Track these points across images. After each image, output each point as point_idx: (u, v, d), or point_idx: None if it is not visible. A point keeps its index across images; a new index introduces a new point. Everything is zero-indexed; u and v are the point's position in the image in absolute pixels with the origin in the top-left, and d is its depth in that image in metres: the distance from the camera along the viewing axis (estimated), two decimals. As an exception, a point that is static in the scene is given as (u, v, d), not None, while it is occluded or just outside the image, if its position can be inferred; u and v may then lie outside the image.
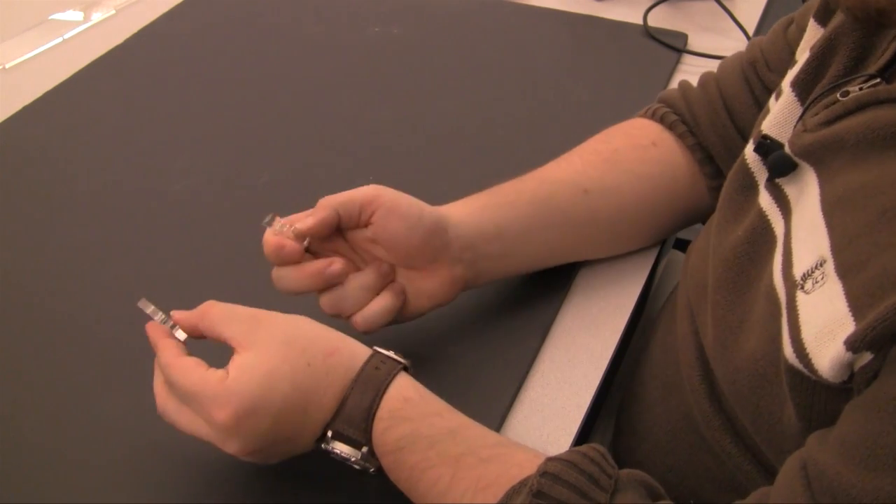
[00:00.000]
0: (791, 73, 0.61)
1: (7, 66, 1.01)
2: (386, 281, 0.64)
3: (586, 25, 1.07)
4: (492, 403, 0.63)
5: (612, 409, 0.81)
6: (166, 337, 0.58)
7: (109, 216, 0.80)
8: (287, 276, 0.63)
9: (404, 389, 0.55)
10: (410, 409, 0.55)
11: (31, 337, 0.69)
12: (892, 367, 0.42)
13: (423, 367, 0.66)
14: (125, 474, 0.59)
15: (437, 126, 0.91)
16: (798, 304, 0.49)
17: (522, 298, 0.71)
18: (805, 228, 0.52)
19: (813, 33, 0.63)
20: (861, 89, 0.52)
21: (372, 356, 0.56)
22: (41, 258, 0.76)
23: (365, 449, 0.54)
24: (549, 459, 0.51)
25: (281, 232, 0.62)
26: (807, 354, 0.47)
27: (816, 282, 0.48)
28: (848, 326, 0.44)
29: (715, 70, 0.77)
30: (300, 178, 0.85)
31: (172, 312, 0.59)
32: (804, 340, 0.47)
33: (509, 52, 1.03)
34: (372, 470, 0.55)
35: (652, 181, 0.73)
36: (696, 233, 0.71)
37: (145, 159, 0.87)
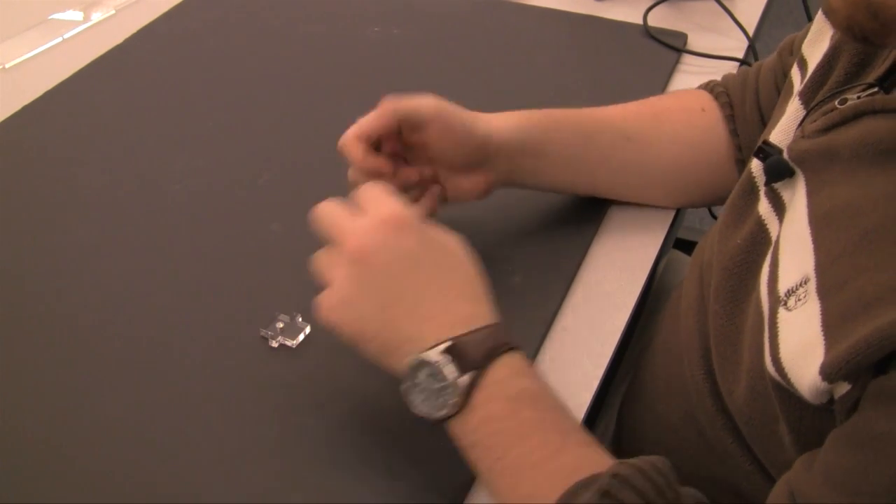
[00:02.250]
0: (801, 83, 0.62)
1: (7, 66, 1.01)
2: (426, 184, 0.70)
3: (586, 25, 1.07)
4: (492, 403, 0.63)
5: (612, 409, 0.81)
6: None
7: (109, 216, 0.80)
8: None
9: (526, 359, 0.56)
10: (533, 373, 0.56)
11: (30, 337, 0.69)
12: (872, 403, 0.43)
13: (424, 366, 0.66)
14: (125, 474, 0.59)
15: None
16: (779, 320, 0.50)
17: (523, 298, 0.71)
18: (792, 241, 0.52)
19: (819, 25, 0.63)
20: (859, 97, 0.52)
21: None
22: (41, 258, 0.76)
23: (470, 375, 0.52)
24: (621, 463, 0.51)
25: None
26: (786, 373, 0.48)
27: (799, 300, 0.49)
28: (819, 350, 0.45)
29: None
30: (300, 178, 0.84)
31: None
32: (782, 359, 0.48)
33: (509, 52, 1.03)
34: (445, 411, 0.53)
35: (693, 145, 0.76)
36: (698, 233, 0.72)
37: (145, 159, 0.87)
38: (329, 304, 0.56)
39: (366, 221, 0.56)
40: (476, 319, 0.54)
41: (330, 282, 0.57)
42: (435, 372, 0.52)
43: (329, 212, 0.58)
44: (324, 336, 0.68)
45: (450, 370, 0.52)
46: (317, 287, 0.63)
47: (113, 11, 1.11)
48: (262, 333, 0.68)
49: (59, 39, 1.06)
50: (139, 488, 0.58)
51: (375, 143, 0.68)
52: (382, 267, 0.55)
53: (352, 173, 0.69)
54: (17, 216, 0.81)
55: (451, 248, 0.57)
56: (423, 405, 0.54)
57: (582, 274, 0.75)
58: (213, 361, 0.67)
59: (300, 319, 0.68)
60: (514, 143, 0.70)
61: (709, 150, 0.75)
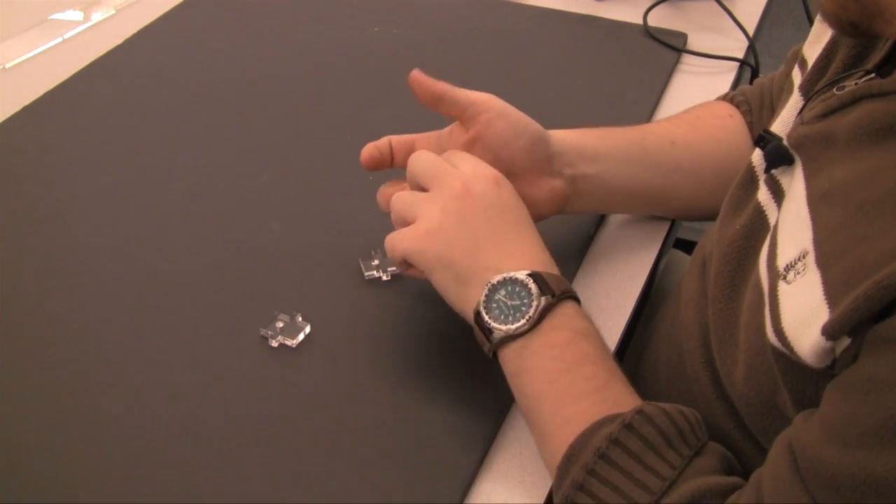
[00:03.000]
0: (801, 77, 0.62)
1: (7, 66, 1.01)
2: None
3: (586, 25, 1.07)
4: (492, 402, 0.63)
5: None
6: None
7: (109, 216, 0.80)
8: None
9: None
10: (589, 318, 0.60)
11: (30, 336, 0.69)
12: (868, 350, 0.44)
13: (424, 365, 0.66)
14: (125, 474, 0.59)
15: (437, 126, 0.91)
16: (779, 293, 0.51)
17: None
18: (791, 221, 0.53)
19: (819, 28, 0.64)
20: (857, 84, 0.53)
21: None
22: (41, 258, 0.76)
23: (547, 299, 0.57)
24: (648, 403, 0.54)
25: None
26: (788, 341, 0.48)
27: (798, 273, 0.50)
28: (823, 315, 0.46)
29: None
30: (300, 178, 0.85)
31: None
32: (784, 329, 0.49)
33: (509, 52, 1.03)
34: (516, 330, 0.57)
35: (728, 146, 0.77)
36: (698, 233, 0.72)
37: (145, 159, 0.87)
38: (415, 233, 0.61)
39: (469, 171, 0.62)
40: (552, 268, 0.60)
41: (419, 217, 0.61)
42: (517, 289, 0.57)
43: (431, 158, 0.63)
44: (324, 336, 0.68)
45: (534, 287, 0.57)
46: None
47: (113, 11, 1.11)
48: (262, 333, 0.68)
49: (59, 39, 1.06)
50: (139, 488, 0.59)
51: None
52: (482, 208, 0.60)
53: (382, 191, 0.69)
54: (17, 216, 0.81)
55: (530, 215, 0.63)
56: (496, 321, 0.57)
57: (582, 274, 0.75)
58: (213, 361, 0.67)
59: (300, 319, 0.68)
60: (573, 146, 0.70)
61: (742, 152, 0.76)
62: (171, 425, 0.62)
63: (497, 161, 0.66)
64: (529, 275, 0.58)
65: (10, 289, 0.73)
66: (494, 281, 0.58)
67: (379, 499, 0.58)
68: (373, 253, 0.74)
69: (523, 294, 0.57)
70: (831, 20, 0.50)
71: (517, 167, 0.67)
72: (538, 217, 0.70)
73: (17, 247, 0.77)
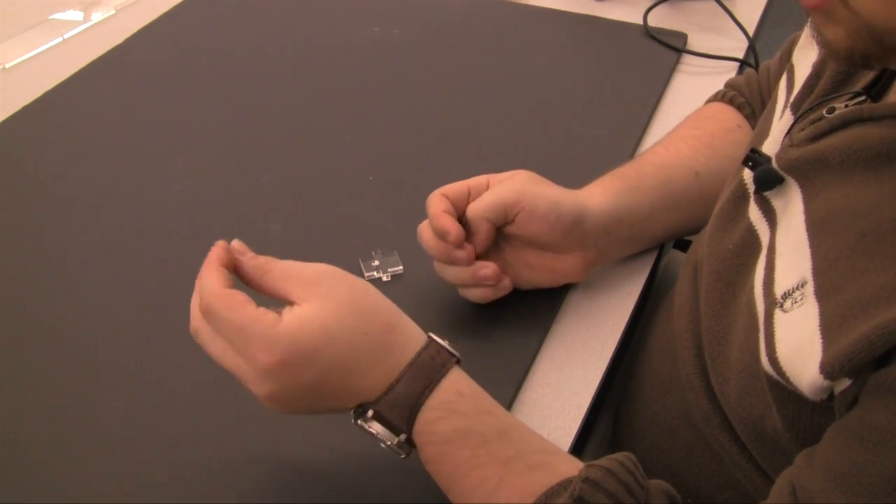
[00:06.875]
0: (790, 94, 0.62)
1: (7, 66, 1.01)
2: (499, 277, 0.68)
3: (586, 25, 1.07)
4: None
5: (611, 408, 0.81)
6: (219, 264, 0.55)
7: (109, 216, 0.80)
8: (447, 271, 0.68)
9: (458, 383, 0.54)
10: (464, 404, 0.53)
11: (30, 336, 0.69)
12: (872, 397, 0.43)
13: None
14: (125, 474, 0.59)
15: (437, 126, 0.91)
16: (775, 321, 0.50)
17: (522, 298, 0.71)
18: (789, 246, 0.52)
19: (809, 37, 0.63)
20: (847, 106, 0.53)
21: (429, 343, 0.54)
22: (41, 258, 0.76)
23: (403, 436, 0.53)
24: (589, 466, 0.51)
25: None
26: (783, 372, 0.48)
27: (796, 302, 0.49)
28: (816, 348, 0.46)
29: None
30: (300, 178, 0.85)
31: (239, 256, 0.57)
32: (779, 359, 0.49)
33: (509, 52, 1.03)
34: (403, 456, 0.54)
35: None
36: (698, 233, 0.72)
37: (145, 159, 0.87)
38: (266, 401, 0.53)
39: (252, 369, 0.51)
40: (385, 373, 0.52)
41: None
42: (375, 434, 0.53)
43: (214, 352, 0.53)
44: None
45: (384, 434, 0.53)
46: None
47: (113, 11, 1.11)
48: (262, 333, 0.68)
49: (59, 39, 1.06)
50: (139, 488, 0.59)
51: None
52: (291, 397, 0.52)
53: (421, 227, 0.67)
54: (18, 216, 0.81)
55: (336, 337, 0.51)
56: (384, 446, 0.54)
57: (582, 274, 0.75)
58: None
59: (300, 319, 0.68)
60: (610, 216, 0.69)
61: None
62: (169, 426, 0.62)
63: (533, 245, 0.68)
64: (374, 419, 0.52)
65: (10, 288, 0.73)
66: (359, 424, 0.53)
67: (379, 499, 0.58)
68: (373, 253, 0.74)
69: (382, 440, 0.53)
70: (840, 60, 0.48)
71: (553, 248, 0.68)
72: (567, 282, 0.72)
73: (18, 246, 0.77)
